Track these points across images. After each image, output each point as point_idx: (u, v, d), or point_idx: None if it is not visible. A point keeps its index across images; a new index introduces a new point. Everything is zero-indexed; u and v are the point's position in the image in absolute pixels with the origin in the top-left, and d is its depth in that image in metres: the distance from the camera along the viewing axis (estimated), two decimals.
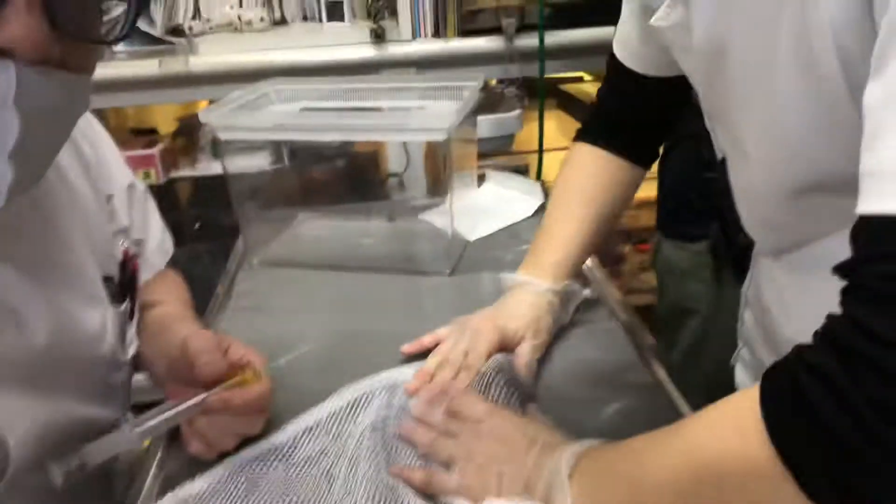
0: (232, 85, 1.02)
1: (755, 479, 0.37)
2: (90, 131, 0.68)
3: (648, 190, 1.28)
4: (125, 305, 0.65)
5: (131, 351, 0.66)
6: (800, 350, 0.37)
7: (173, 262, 0.80)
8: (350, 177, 1.27)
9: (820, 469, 0.34)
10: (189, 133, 1.78)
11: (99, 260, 0.62)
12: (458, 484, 0.52)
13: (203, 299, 0.91)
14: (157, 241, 0.77)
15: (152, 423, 0.53)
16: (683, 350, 1.24)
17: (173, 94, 1.46)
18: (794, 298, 0.58)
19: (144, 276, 0.74)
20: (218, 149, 0.97)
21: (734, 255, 1.12)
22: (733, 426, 0.39)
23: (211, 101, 1.01)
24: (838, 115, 0.41)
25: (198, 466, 0.58)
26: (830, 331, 0.35)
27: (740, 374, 0.75)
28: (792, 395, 0.35)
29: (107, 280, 0.62)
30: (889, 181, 0.33)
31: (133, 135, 1.78)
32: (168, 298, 0.75)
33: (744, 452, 0.37)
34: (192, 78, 1.42)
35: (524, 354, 0.69)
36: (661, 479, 0.42)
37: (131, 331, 0.67)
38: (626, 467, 0.45)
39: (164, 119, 1.87)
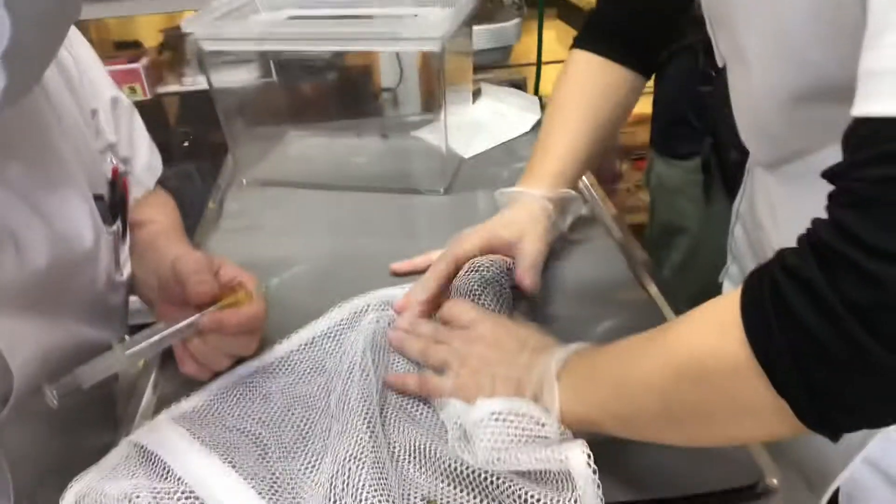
0: None
1: (732, 376, 0.38)
2: (71, 43, 0.65)
3: (645, 106, 1.25)
4: (117, 225, 0.64)
5: (126, 271, 0.65)
6: (781, 253, 0.36)
7: (162, 182, 0.79)
8: (341, 92, 1.23)
9: (792, 367, 0.34)
10: (175, 46, 1.71)
11: (89, 178, 0.60)
12: (452, 386, 0.53)
13: (193, 219, 0.90)
14: (145, 160, 0.75)
15: (144, 344, 0.53)
16: (673, 268, 1.25)
17: (156, 3, 1.40)
18: (786, 211, 0.58)
19: (133, 195, 0.72)
20: (203, 62, 0.93)
21: (724, 172, 1.12)
22: (714, 325, 0.39)
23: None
24: (842, 16, 0.40)
25: (193, 385, 0.58)
26: (813, 234, 0.35)
27: (728, 291, 0.75)
28: (770, 295, 0.35)
29: (97, 199, 0.61)
30: (888, 81, 0.32)
31: (116, 48, 1.72)
32: (158, 218, 0.74)
33: (722, 350, 0.38)
34: None
35: (527, 256, 0.67)
36: (644, 376, 0.43)
37: (124, 251, 0.66)
38: (612, 366, 0.46)
39: (149, 31, 1.80)
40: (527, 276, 0.65)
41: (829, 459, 0.58)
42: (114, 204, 0.63)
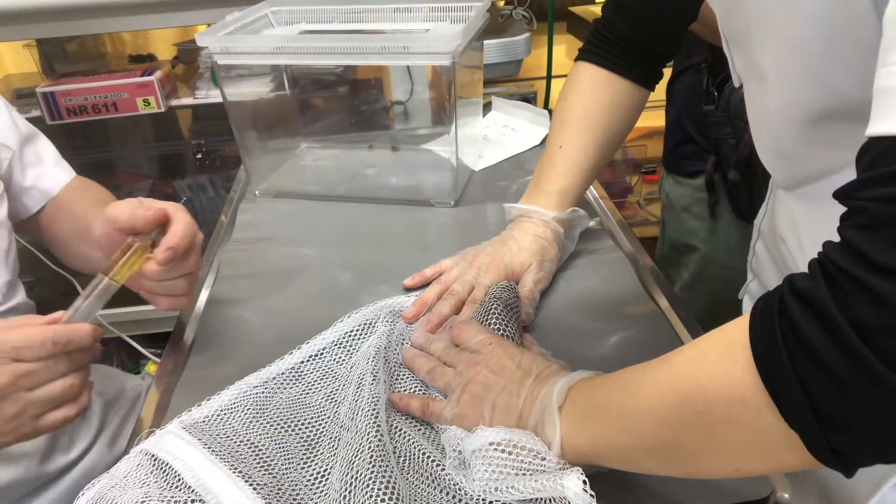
0: (230, 7, 0.98)
1: (739, 405, 0.36)
2: None
3: (655, 119, 1.26)
4: None
5: None
6: (791, 277, 0.35)
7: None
8: (353, 105, 1.24)
9: (802, 395, 0.33)
10: (188, 59, 1.73)
11: None
12: (452, 413, 0.53)
13: (206, 230, 0.90)
14: (53, 159, 0.83)
15: (79, 304, 0.56)
16: (683, 285, 1.24)
17: (170, 17, 1.42)
18: (808, 229, 0.57)
19: (51, 186, 0.82)
20: (217, 75, 0.94)
21: (727, 190, 1.12)
22: (722, 352, 0.38)
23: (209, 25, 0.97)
24: (858, 34, 0.39)
25: (204, 394, 0.58)
26: (823, 256, 0.34)
27: (748, 308, 0.75)
28: (779, 319, 0.34)
29: None
30: None
31: (131, 62, 1.74)
32: (84, 196, 0.82)
33: (730, 377, 0.37)
34: (189, 1, 1.37)
35: (526, 285, 0.69)
36: (647, 405, 0.42)
37: None
38: (615, 396, 0.45)
39: (163, 45, 1.82)
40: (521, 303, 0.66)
41: (856, 485, 0.56)
42: None
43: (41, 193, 0.81)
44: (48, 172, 0.82)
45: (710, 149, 1.14)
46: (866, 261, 0.31)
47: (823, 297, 0.32)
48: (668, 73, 1.21)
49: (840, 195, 0.34)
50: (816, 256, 0.35)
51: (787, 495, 0.49)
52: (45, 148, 0.84)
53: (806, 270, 0.35)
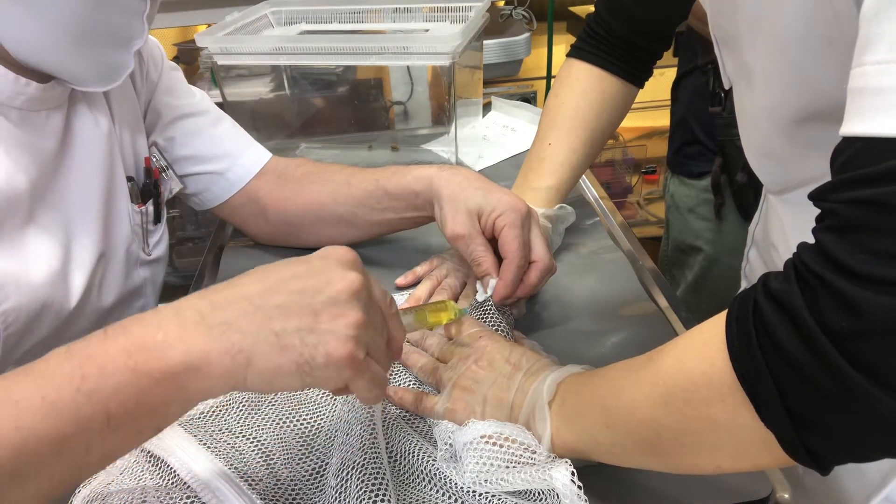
0: (229, 8, 0.98)
1: (717, 405, 0.37)
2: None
3: (655, 119, 1.26)
4: (146, 207, 0.71)
5: (157, 252, 0.73)
6: (766, 277, 0.36)
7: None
8: (352, 105, 1.24)
9: (776, 396, 0.34)
10: (188, 59, 1.73)
11: (126, 162, 0.69)
12: (443, 407, 0.53)
13: (206, 230, 0.90)
14: (252, 145, 0.80)
15: None
16: (687, 287, 1.24)
17: (170, 17, 1.42)
18: (796, 235, 0.57)
19: (254, 167, 0.78)
20: (216, 75, 0.95)
21: (734, 191, 1.12)
22: (699, 353, 0.38)
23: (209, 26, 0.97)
24: (841, 33, 0.39)
25: None
26: (798, 258, 0.34)
27: None
28: (753, 321, 0.35)
29: (129, 180, 0.69)
30: (870, 98, 0.31)
31: None
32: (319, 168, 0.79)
33: (707, 379, 0.37)
34: (189, 1, 1.37)
35: None
36: (631, 405, 0.42)
37: (157, 234, 0.73)
38: (601, 394, 0.46)
39: (162, 45, 1.82)
40: (514, 306, 0.67)
41: (849, 495, 0.56)
42: (145, 187, 0.71)
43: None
44: (256, 153, 0.80)
45: (717, 150, 1.14)
46: (836, 264, 0.31)
47: (795, 299, 0.33)
48: (672, 73, 1.22)
49: (814, 197, 0.34)
50: (791, 257, 0.35)
51: (787, 495, 0.49)
52: (230, 126, 0.84)
53: None
